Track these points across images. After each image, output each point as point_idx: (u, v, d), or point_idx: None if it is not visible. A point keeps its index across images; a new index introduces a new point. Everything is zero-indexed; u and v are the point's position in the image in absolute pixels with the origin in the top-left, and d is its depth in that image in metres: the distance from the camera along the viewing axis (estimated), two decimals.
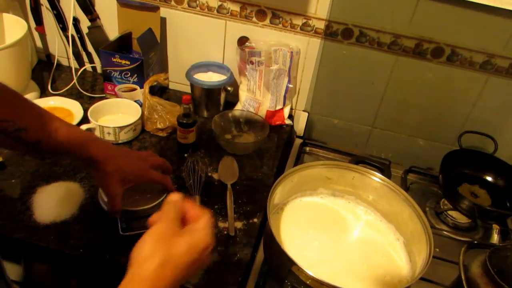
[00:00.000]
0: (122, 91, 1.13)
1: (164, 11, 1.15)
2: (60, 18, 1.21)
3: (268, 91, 1.17)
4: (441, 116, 1.15)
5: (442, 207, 1.05)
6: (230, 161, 1.03)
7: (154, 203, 0.82)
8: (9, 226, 0.81)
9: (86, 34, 1.23)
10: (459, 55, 1.03)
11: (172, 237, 0.50)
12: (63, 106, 1.10)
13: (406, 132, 1.20)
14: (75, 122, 1.04)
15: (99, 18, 1.21)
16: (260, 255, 0.85)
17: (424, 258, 0.73)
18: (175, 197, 0.55)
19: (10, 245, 0.83)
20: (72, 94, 1.19)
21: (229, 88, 1.15)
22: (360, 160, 1.05)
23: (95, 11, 1.19)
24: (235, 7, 1.10)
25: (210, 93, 1.15)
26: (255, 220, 0.91)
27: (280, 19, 1.09)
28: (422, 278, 0.80)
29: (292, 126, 1.24)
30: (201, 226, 0.52)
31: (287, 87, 1.17)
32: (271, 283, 0.81)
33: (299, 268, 0.65)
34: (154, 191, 0.84)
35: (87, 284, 0.92)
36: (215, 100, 1.18)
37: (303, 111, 1.24)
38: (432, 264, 0.70)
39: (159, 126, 1.07)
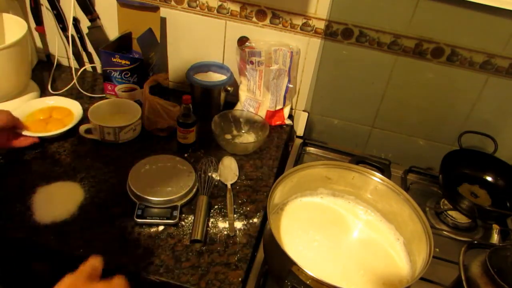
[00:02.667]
0: (122, 91, 1.13)
1: (164, 11, 1.15)
2: (60, 18, 1.21)
3: (268, 91, 1.17)
4: (441, 116, 1.15)
5: (442, 207, 1.05)
6: (230, 161, 1.03)
7: (172, 197, 0.87)
8: (9, 226, 0.81)
9: (86, 34, 1.23)
10: (459, 55, 1.03)
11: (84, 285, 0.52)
12: (63, 106, 1.10)
13: (406, 132, 1.20)
14: (75, 122, 1.04)
15: (99, 18, 1.21)
16: (260, 255, 0.85)
17: (424, 258, 0.73)
18: (95, 262, 0.58)
19: (10, 245, 0.83)
20: (72, 94, 1.19)
21: (229, 88, 1.15)
22: (360, 160, 1.05)
23: (95, 11, 1.19)
24: (235, 7, 1.10)
25: (210, 93, 1.15)
26: (255, 220, 0.91)
27: (280, 19, 1.09)
28: (422, 278, 0.80)
29: (292, 126, 1.24)
30: (116, 281, 0.56)
31: (287, 87, 1.17)
32: (271, 283, 0.82)
33: (299, 268, 0.65)
34: (176, 186, 0.89)
35: None
36: (215, 100, 1.18)
37: (303, 111, 1.24)
38: (432, 264, 0.70)
39: (159, 126, 1.07)
